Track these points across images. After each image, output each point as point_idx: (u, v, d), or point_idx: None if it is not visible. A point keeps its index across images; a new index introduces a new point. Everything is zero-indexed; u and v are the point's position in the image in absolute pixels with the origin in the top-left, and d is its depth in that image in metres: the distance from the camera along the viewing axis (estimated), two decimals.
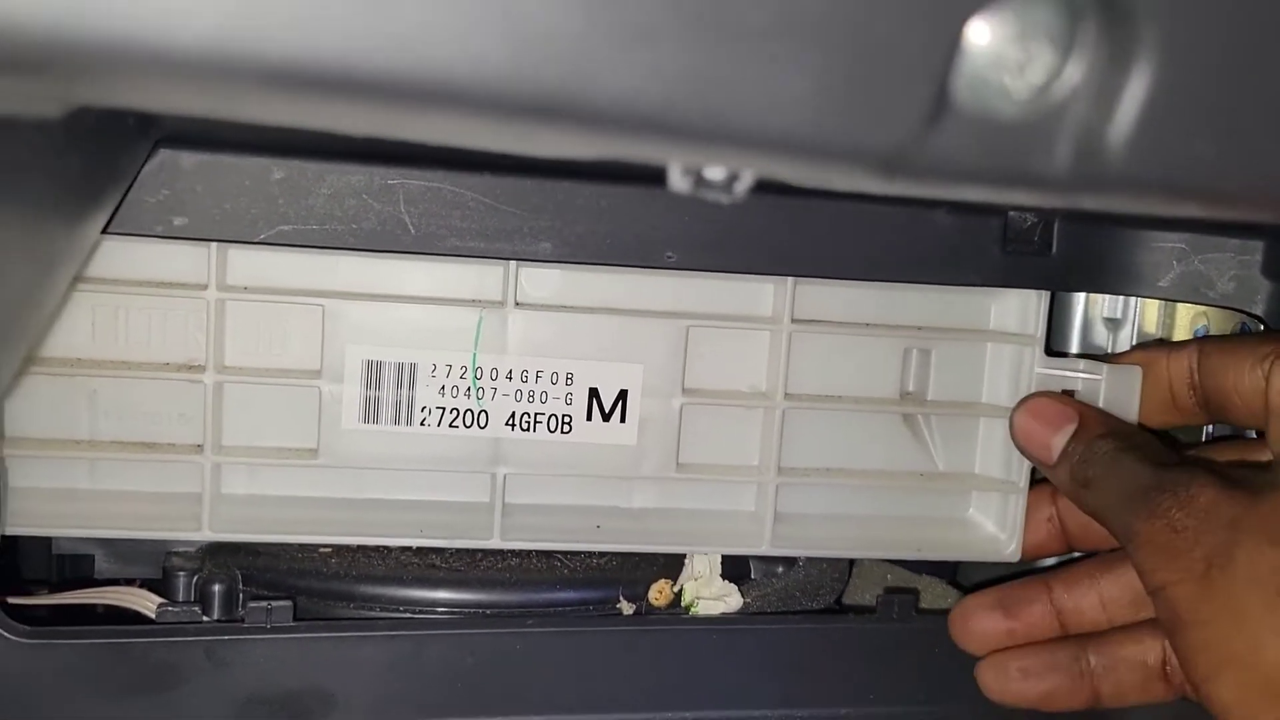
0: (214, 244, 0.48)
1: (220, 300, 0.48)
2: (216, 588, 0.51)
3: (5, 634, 0.46)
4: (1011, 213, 0.53)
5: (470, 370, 0.51)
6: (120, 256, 0.48)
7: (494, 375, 0.51)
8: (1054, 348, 0.62)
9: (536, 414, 0.52)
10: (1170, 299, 0.57)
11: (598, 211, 0.50)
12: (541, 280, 0.52)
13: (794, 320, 0.53)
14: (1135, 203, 0.21)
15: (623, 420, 0.53)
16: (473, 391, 0.51)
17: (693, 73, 0.17)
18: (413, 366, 0.50)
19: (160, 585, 0.52)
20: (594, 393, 0.52)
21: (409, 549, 0.54)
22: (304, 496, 0.52)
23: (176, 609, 0.50)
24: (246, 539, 0.51)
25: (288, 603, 0.49)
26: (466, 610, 0.53)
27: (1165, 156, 0.20)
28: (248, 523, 0.50)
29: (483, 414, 0.51)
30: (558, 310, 0.52)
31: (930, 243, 0.53)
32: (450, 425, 0.51)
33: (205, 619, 0.50)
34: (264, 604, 0.49)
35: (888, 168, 0.19)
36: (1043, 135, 0.19)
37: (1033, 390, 0.54)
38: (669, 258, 0.51)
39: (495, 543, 0.52)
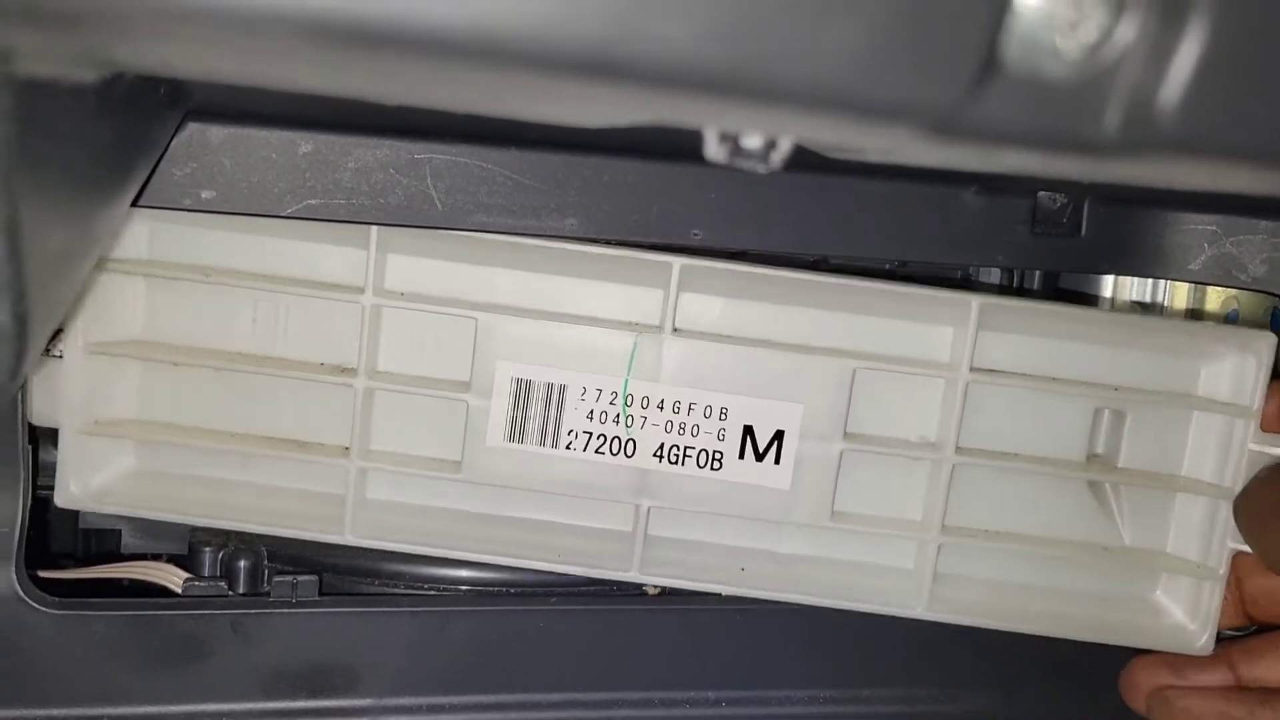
0: (373, 249, 0.47)
1: (376, 306, 0.48)
2: (242, 563, 0.51)
3: (36, 605, 0.46)
4: (1041, 193, 0.53)
5: (621, 397, 0.49)
6: (283, 254, 0.48)
7: (645, 404, 0.49)
8: None
9: (686, 447, 0.50)
10: (1201, 282, 0.56)
11: (624, 188, 0.50)
12: (702, 308, 0.50)
13: (973, 369, 0.50)
14: (1185, 170, 0.21)
15: (777, 461, 0.50)
16: (622, 419, 0.49)
17: (740, 25, 0.17)
18: (562, 388, 0.49)
19: (186, 560, 0.52)
20: (749, 430, 0.50)
21: None
22: (444, 508, 0.51)
23: (203, 584, 0.50)
24: (387, 546, 0.50)
25: (313, 577, 0.50)
26: (490, 588, 0.53)
27: (1219, 119, 0.19)
28: (388, 530, 0.50)
29: (630, 443, 0.49)
30: (717, 340, 0.49)
31: (958, 222, 0.53)
32: (596, 451, 0.49)
33: (231, 594, 0.50)
34: (289, 579, 0.49)
35: (934, 130, 0.19)
36: (1093, 97, 0.19)
37: (1243, 468, 0.50)
38: (695, 235, 0.51)
39: (634, 575, 0.50)
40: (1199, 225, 0.54)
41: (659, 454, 0.50)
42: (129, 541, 0.54)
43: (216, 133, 0.46)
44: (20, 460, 0.46)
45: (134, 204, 0.45)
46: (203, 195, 0.46)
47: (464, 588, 0.53)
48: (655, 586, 0.54)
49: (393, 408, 0.50)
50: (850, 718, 0.55)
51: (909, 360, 0.50)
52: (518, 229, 0.49)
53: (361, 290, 0.48)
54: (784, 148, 0.24)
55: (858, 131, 0.20)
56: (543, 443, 0.49)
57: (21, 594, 0.46)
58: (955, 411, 0.50)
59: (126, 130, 0.34)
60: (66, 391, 0.47)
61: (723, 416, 0.50)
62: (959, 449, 0.50)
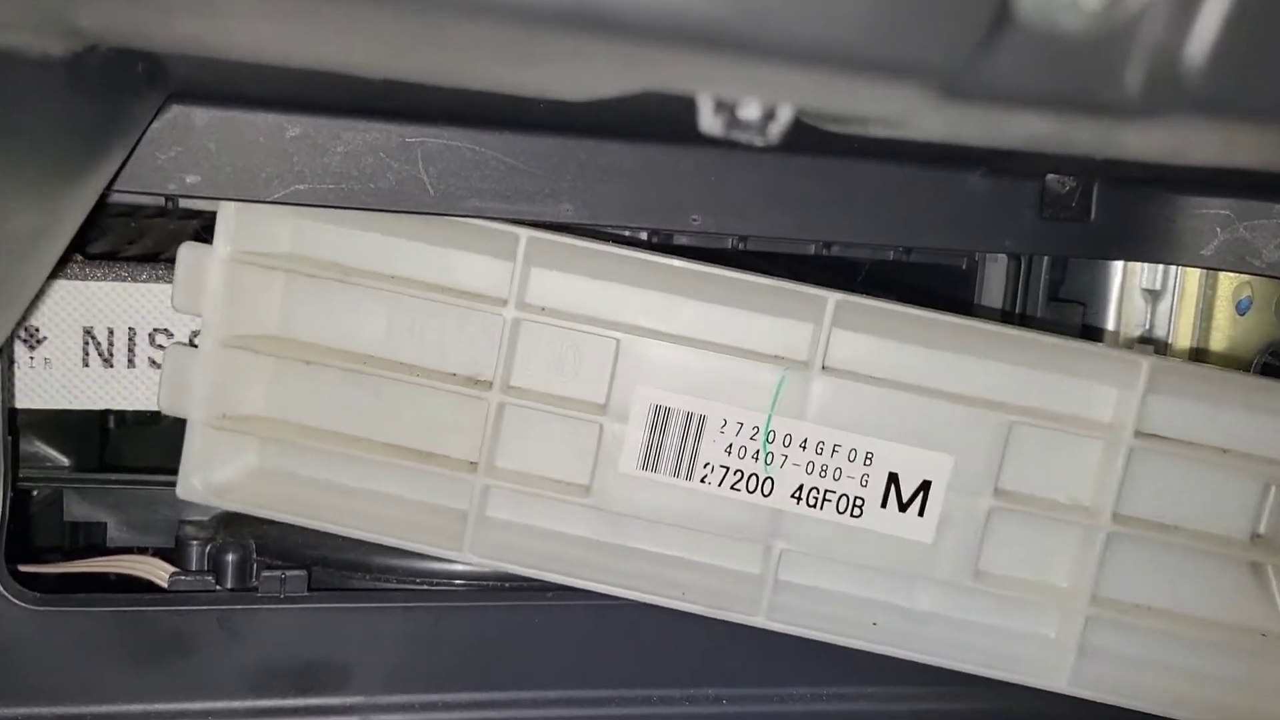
0: (520, 261, 0.46)
1: (517, 319, 0.47)
2: (230, 557, 0.50)
3: (16, 601, 0.45)
4: (1049, 176, 0.52)
5: (763, 433, 0.47)
6: (421, 258, 0.47)
7: (787, 441, 0.47)
8: (1090, 321, 0.60)
9: (827, 491, 0.47)
10: (1214, 268, 0.55)
11: (620, 172, 0.48)
12: (852, 346, 0.47)
13: (1137, 434, 0.47)
14: (1208, 135, 0.20)
15: (921, 513, 0.48)
16: (762, 455, 0.47)
17: None
18: (702, 418, 0.47)
19: (173, 554, 0.51)
20: (893, 478, 0.48)
21: None
22: (566, 533, 0.49)
23: (189, 578, 0.49)
24: (506, 568, 0.48)
25: (302, 573, 0.48)
26: (485, 582, 0.51)
27: (1247, 77, 0.18)
28: (508, 551, 0.48)
29: (768, 481, 0.47)
30: (868, 382, 0.47)
31: (964, 207, 0.52)
32: (732, 487, 0.47)
33: (219, 589, 0.49)
34: (278, 574, 0.48)
35: (944, 90, 0.18)
36: (1113, 53, 0.18)
37: None
38: (694, 220, 0.50)
39: (760, 620, 0.48)
40: (1212, 209, 0.53)
41: (797, 495, 0.48)
42: (115, 535, 0.53)
43: (201, 115, 0.44)
44: (1, 453, 0.45)
45: (119, 189, 0.43)
46: (187, 180, 0.45)
47: (458, 582, 0.51)
48: None
49: (522, 424, 0.48)
50: (852, 715, 0.53)
51: (1068, 418, 0.48)
52: (512, 214, 0.48)
53: (504, 302, 0.46)
54: (783, 117, 0.23)
55: (863, 93, 0.19)
56: (677, 473, 0.47)
57: (2, 590, 0.45)
58: (1114, 477, 0.47)
59: (101, 109, 0.33)
60: (198, 383, 0.46)
61: (867, 461, 0.47)
62: (1115, 517, 0.48)
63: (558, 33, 0.16)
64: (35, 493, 0.54)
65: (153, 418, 0.62)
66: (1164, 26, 0.18)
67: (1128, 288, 0.60)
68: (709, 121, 0.24)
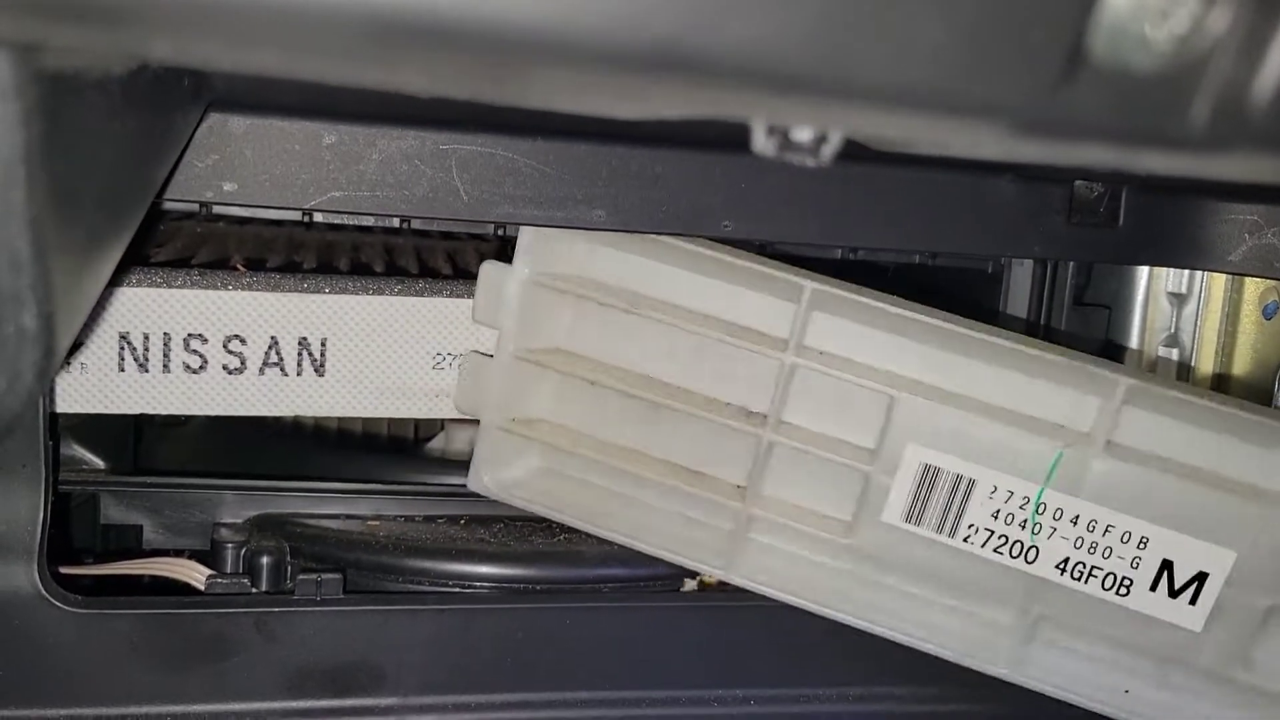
0: (804, 307, 0.47)
1: (794, 365, 0.47)
2: (265, 560, 0.50)
3: (57, 603, 0.46)
4: (1078, 182, 0.52)
5: (1033, 504, 0.46)
6: (705, 292, 0.48)
7: (1057, 515, 0.46)
8: (1115, 325, 0.60)
9: (1094, 567, 0.47)
10: (1241, 273, 0.55)
11: (652, 178, 0.49)
12: (1140, 427, 0.46)
13: None
14: (1270, 165, 0.20)
15: (1192, 602, 0.46)
16: (1029, 525, 0.47)
17: (824, 21, 0.16)
18: (971, 482, 0.47)
19: (208, 557, 0.52)
20: (1167, 565, 0.46)
21: (457, 520, 0.53)
22: (823, 564, 0.50)
23: (225, 581, 0.50)
24: (767, 592, 0.49)
25: (338, 575, 0.49)
26: (516, 585, 0.52)
27: None
28: (768, 574, 0.49)
29: (1033, 549, 0.47)
30: (1153, 467, 0.46)
31: (992, 212, 0.52)
32: (994, 550, 0.47)
33: (254, 591, 0.50)
34: (314, 576, 0.49)
35: (1020, 127, 0.18)
36: (1182, 90, 0.18)
37: None
38: (725, 227, 0.50)
39: (1002, 672, 0.49)
40: (1240, 215, 0.53)
41: (1062, 567, 0.47)
42: (150, 537, 0.53)
43: (238, 123, 0.45)
44: (42, 457, 0.45)
45: (157, 197, 0.44)
46: (225, 188, 0.45)
47: (489, 585, 0.52)
48: (693, 581, 0.54)
49: (789, 457, 0.49)
50: (880, 716, 0.54)
51: None
52: (544, 220, 0.48)
53: (784, 346, 0.47)
54: (835, 141, 0.23)
55: (931, 129, 0.19)
56: (940, 530, 0.48)
57: (44, 592, 0.45)
58: None
59: (151, 122, 0.33)
60: (492, 389, 0.49)
61: (1141, 545, 0.46)
62: None
63: (638, 74, 0.16)
64: (73, 495, 0.54)
65: (183, 421, 0.63)
66: (1233, 63, 0.18)
67: (1153, 292, 0.60)
68: (762, 144, 0.24)
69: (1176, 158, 0.19)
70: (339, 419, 0.59)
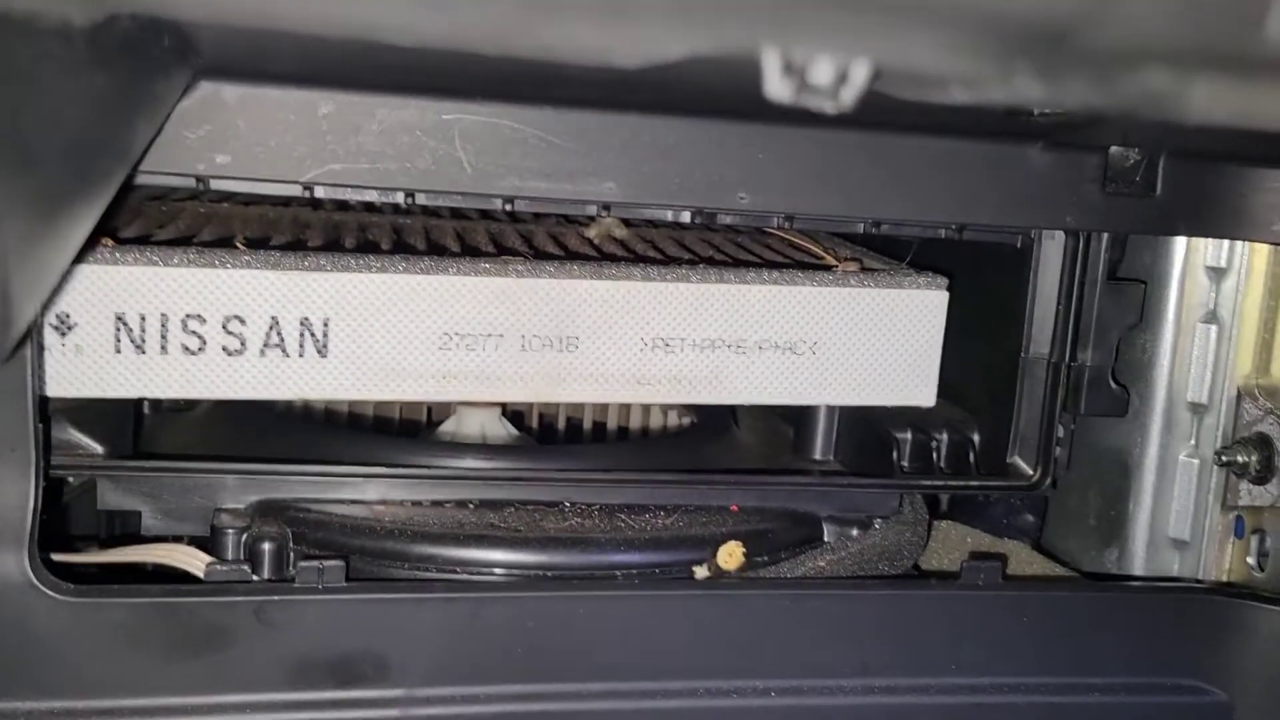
0: None
1: None
2: (266, 546, 0.49)
3: (50, 592, 0.44)
4: (1113, 149, 0.49)
5: None
6: None
7: None
8: (1150, 301, 0.58)
9: None
10: None
11: (665, 149, 0.47)
12: None
13: None
14: None
15: None
16: None
17: None
18: None
19: (209, 543, 0.50)
20: None
21: (465, 505, 0.51)
22: None
23: (225, 568, 0.48)
24: None
25: (340, 562, 0.47)
26: (527, 572, 0.50)
27: None
28: None
29: None
30: None
31: (1023, 181, 0.50)
32: None
33: (255, 578, 0.48)
34: (315, 563, 0.47)
35: (1057, 41, 0.16)
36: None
37: None
38: (741, 199, 0.48)
39: None
40: None
41: None
42: (149, 523, 0.52)
43: (231, 92, 0.43)
44: (31, 439, 0.44)
45: (139, 168, 0.42)
46: (217, 160, 0.44)
47: (500, 571, 0.50)
48: (703, 569, 0.52)
49: None
50: (906, 709, 0.52)
51: None
52: (553, 194, 0.46)
53: None
54: (857, 80, 0.21)
55: (962, 48, 0.17)
56: None
57: (35, 580, 0.44)
58: None
59: (125, 83, 0.32)
60: None
61: None
62: None
63: None
64: (71, 480, 0.53)
65: (187, 405, 0.62)
66: None
67: (1191, 265, 0.57)
68: (775, 86, 0.22)
69: (1234, 82, 0.17)
70: (350, 402, 0.57)
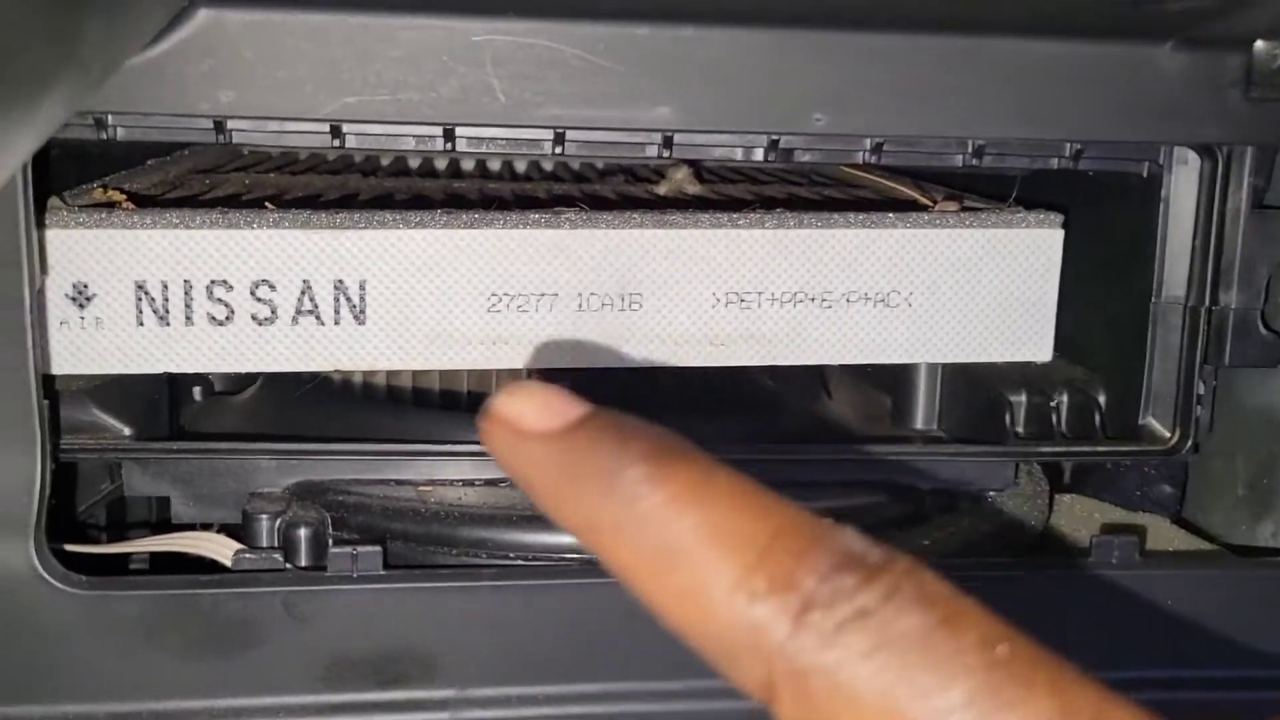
0: None
1: None
2: (302, 532, 0.44)
3: (59, 584, 0.40)
4: (1258, 44, 0.42)
5: None
6: None
7: None
8: None
9: None
10: None
11: (726, 65, 0.41)
12: None
13: None
14: None
15: None
16: None
17: None
18: None
19: (241, 530, 0.46)
20: None
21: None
22: None
23: (255, 556, 0.43)
24: None
25: (376, 548, 0.42)
26: (587, 558, 0.44)
27: None
28: None
29: None
30: None
31: (1150, 89, 0.42)
32: None
33: (288, 567, 0.43)
34: (349, 550, 0.42)
35: None
36: None
37: None
38: (817, 120, 0.41)
39: None
40: None
41: None
42: (180, 510, 0.48)
43: (235, 19, 0.38)
44: (36, 419, 0.40)
45: (142, 109, 0.38)
46: (222, 98, 0.39)
47: (556, 556, 0.45)
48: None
49: None
50: None
51: None
52: (599, 123, 0.41)
53: None
54: None
55: None
56: None
57: (43, 572, 0.39)
58: None
59: None
60: None
61: None
62: None
63: None
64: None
65: (237, 386, 0.58)
66: None
67: None
68: None
69: None
70: (388, 373, 0.52)
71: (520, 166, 0.66)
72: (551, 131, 0.43)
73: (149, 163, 0.59)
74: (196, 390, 0.57)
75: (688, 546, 0.19)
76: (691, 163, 0.55)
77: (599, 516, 0.20)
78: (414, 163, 0.65)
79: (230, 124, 0.42)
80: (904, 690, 0.17)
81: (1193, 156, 0.48)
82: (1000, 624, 0.18)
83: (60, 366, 0.44)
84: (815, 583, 0.18)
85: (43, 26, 0.25)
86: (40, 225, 0.42)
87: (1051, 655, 0.18)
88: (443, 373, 0.53)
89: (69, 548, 0.42)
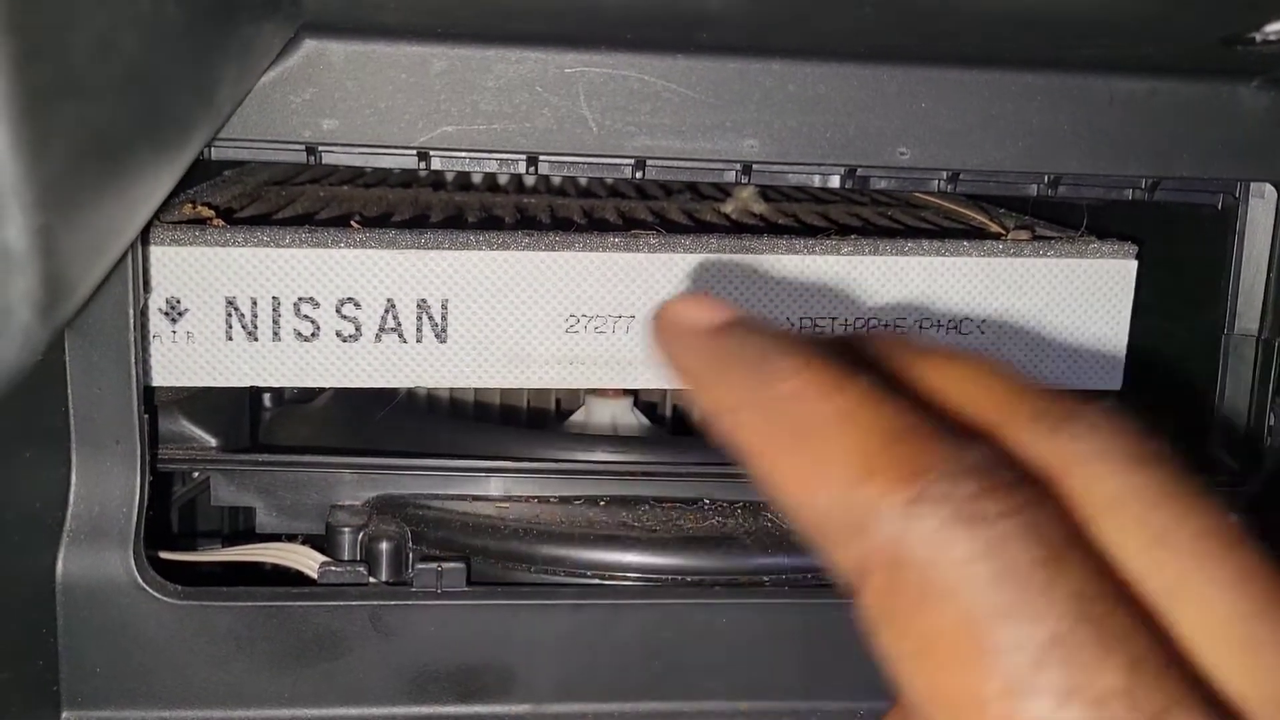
0: None
1: None
2: (384, 546, 0.45)
3: (156, 594, 0.41)
4: None
5: None
6: None
7: None
8: None
9: None
10: None
11: (813, 99, 0.41)
12: None
13: None
14: None
15: None
16: None
17: None
18: None
19: (324, 542, 0.47)
20: None
21: (596, 502, 0.47)
22: None
23: (340, 569, 0.44)
24: None
25: (460, 565, 0.43)
26: (665, 576, 0.45)
27: None
28: None
29: None
30: None
31: (1232, 125, 0.43)
32: None
33: (371, 580, 0.44)
34: (434, 565, 0.43)
35: None
36: None
37: None
38: (902, 155, 0.42)
39: None
40: None
41: None
42: (264, 520, 0.49)
43: (337, 51, 0.39)
44: (137, 431, 0.41)
45: (244, 140, 0.39)
46: (324, 125, 0.40)
47: (634, 575, 0.45)
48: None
49: None
50: None
51: None
52: (688, 154, 0.42)
53: None
54: None
55: None
56: None
57: (141, 582, 0.41)
58: None
59: (210, 24, 0.28)
60: None
61: None
62: None
63: None
64: (196, 475, 0.50)
65: (304, 395, 0.59)
66: None
67: None
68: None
69: None
70: (475, 390, 0.53)
71: (584, 179, 0.67)
72: (634, 158, 0.44)
73: (225, 174, 0.60)
74: (266, 396, 0.58)
75: (820, 426, 0.19)
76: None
77: (741, 396, 0.20)
78: (478, 176, 0.66)
79: (321, 148, 0.43)
80: (991, 608, 0.17)
81: (1269, 190, 0.49)
82: (1104, 582, 0.18)
83: (154, 379, 0.46)
84: (935, 478, 0.18)
85: (190, 81, 0.26)
86: (145, 243, 0.43)
87: (1136, 631, 0.17)
88: (525, 391, 0.54)
89: (162, 555, 0.43)
